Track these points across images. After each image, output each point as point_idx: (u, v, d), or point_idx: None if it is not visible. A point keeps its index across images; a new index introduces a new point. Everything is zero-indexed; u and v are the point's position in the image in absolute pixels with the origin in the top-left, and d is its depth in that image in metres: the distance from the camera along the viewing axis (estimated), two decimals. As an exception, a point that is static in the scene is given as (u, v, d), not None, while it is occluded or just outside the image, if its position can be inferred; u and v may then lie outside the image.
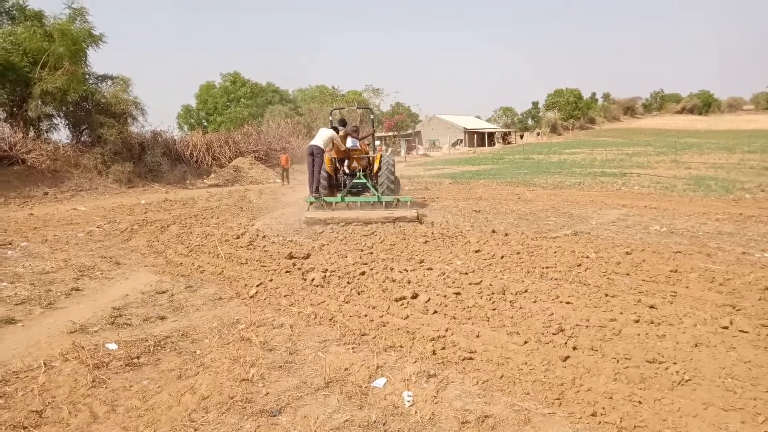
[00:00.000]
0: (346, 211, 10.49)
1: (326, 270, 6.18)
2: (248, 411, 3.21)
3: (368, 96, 48.57)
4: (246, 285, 5.90)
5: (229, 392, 3.42)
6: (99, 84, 21.26)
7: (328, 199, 10.94)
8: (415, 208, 10.61)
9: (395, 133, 48.08)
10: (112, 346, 4.20)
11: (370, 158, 11.78)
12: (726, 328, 4.19)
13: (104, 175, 18.44)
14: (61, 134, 21.12)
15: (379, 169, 11.28)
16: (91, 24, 19.96)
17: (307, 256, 7.02)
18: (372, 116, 14.53)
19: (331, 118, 12.52)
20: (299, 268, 6.37)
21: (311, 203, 10.87)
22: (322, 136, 11.43)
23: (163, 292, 5.80)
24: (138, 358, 4.01)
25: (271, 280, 5.97)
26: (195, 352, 4.15)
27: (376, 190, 11.10)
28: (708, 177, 16.49)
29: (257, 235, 8.63)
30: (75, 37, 18.78)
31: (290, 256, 6.91)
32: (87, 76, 20.41)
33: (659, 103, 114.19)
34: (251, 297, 5.48)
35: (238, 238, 8.44)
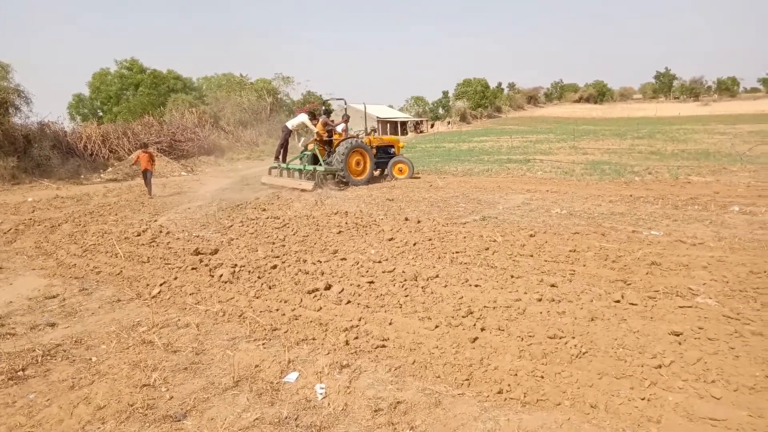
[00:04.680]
0: (279, 179, 13.86)
1: (235, 265, 5.96)
2: (150, 418, 3.03)
3: (278, 84, 47.06)
4: (148, 285, 5.56)
5: (129, 399, 3.21)
6: (-28, 71, 19.06)
7: (282, 165, 14.17)
8: (313, 181, 12.81)
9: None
10: (-8, 360, 3.80)
11: (334, 140, 13.98)
12: (618, 301, 4.51)
13: (-17, 172, 16.65)
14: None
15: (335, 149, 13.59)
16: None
17: (215, 252, 6.73)
18: (345, 106, 15.40)
19: (323, 107, 15.68)
20: (206, 265, 6.10)
21: (270, 168, 14.32)
22: (295, 120, 14.50)
23: (54, 297, 5.34)
24: (23, 370, 3.67)
25: (175, 279, 5.67)
26: (90, 359, 3.86)
27: (321, 163, 13.50)
28: (602, 162, 17.69)
29: (160, 232, 8.15)
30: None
31: (197, 252, 6.59)
32: (-43, 62, 18.26)
33: (559, 92, 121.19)
34: (153, 297, 5.17)
35: (139, 235, 7.92)
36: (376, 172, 15.27)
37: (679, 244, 6.41)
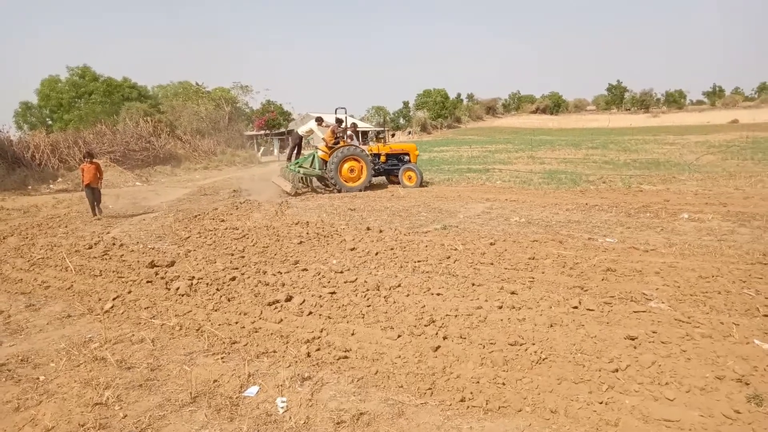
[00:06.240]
0: (279, 179, 14.58)
1: (193, 277, 5.80)
2: (102, 439, 2.89)
3: (236, 93, 46.35)
4: (100, 299, 5.35)
5: (79, 419, 3.07)
6: None
7: (290, 166, 14.76)
8: (292, 183, 14.02)
9: (267, 131, 46.57)
10: (-72, 383, 3.57)
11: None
12: (576, 307, 4.60)
13: None
14: None
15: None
16: None
17: (172, 264, 6.54)
18: (345, 115, 15.44)
19: (336, 116, 15.44)
20: (162, 277, 5.92)
21: (281, 169, 15.54)
22: (305, 126, 16.11)
23: (-3, 314, 5.07)
24: (-38, 393, 3.45)
25: (129, 292, 5.47)
26: (38, 378, 3.68)
27: (317, 167, 14.56)
28: (559, 171, 18.12)
29: (113, 244, 7.88)
30: None
31: (152, 265, 6.39)
32: None
33: (517, 103, 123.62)
34: (106, 312, 4.98)
35: (90, 248, 7.63)
36: (376, 180, 15.79)
37: (633, 251, 6.61)
